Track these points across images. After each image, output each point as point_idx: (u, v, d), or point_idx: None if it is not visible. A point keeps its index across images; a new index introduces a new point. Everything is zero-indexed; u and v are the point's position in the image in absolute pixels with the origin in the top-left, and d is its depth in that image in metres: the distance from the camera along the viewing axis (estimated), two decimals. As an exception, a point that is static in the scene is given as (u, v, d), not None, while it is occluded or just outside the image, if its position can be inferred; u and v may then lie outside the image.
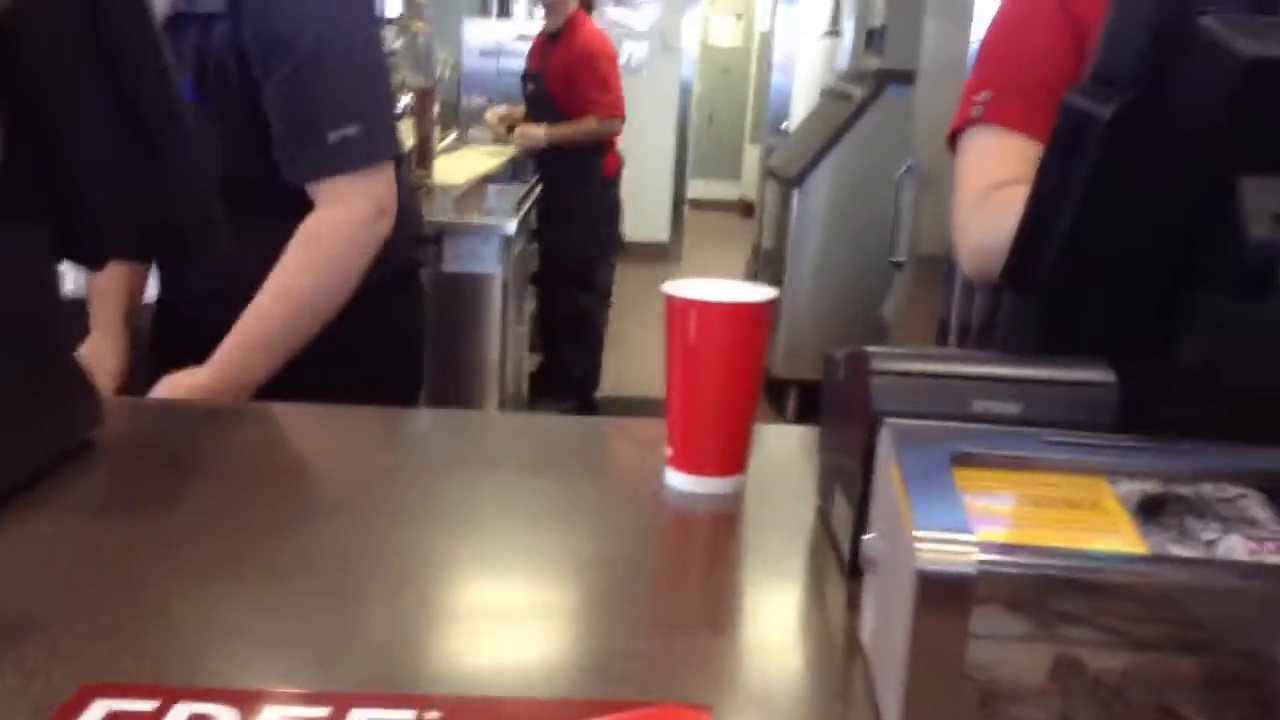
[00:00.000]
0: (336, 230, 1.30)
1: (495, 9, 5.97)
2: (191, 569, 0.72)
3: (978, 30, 2.37)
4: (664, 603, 0.72)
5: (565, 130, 3.96)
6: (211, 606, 0.67)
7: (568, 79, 3.95)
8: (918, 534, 0.50)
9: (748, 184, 8.74)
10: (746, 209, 8.28)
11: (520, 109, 4.33)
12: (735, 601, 0.74)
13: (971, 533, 0.50)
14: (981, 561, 0.50)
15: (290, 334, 1.28)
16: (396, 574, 0.73)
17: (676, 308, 0.84)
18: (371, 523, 0.81)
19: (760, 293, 0.84)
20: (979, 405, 0.68)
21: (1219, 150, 0.75)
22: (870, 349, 0.71)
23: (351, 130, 1.27)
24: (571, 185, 3.94)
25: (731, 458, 0.86)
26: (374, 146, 1.31)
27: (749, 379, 0.85)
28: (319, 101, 1.27)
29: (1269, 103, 0.73)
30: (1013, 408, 0.68)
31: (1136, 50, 0.74)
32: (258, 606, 0.68)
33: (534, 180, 3.87)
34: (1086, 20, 1.06)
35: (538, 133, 4.01)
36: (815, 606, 0.72)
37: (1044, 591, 0.58)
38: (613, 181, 4.15)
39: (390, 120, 1.43)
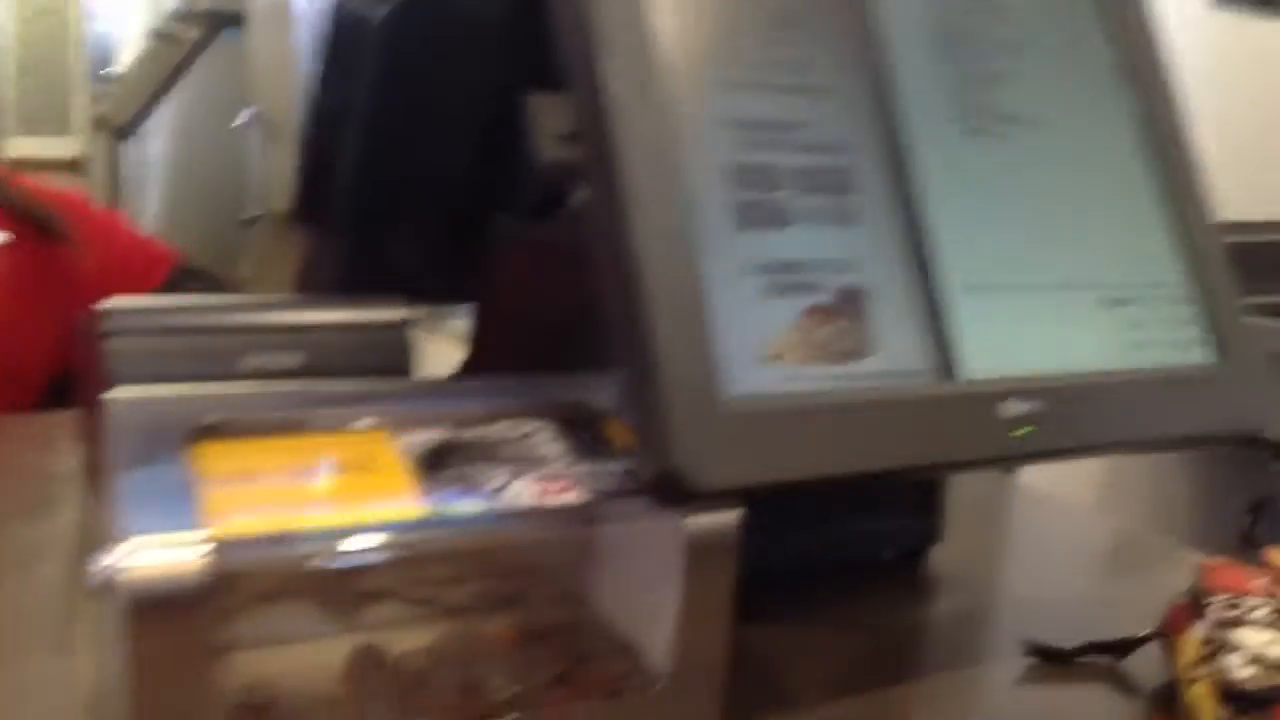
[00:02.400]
0: None
1: None
2: None
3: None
4: None
5: None
6: None
7: None
8: (122, 546, 0.37)
9: (82, 139, 7.78)
10: (75, 165, 7.39)
11: None
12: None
13: (196, 530, 0.39)
14: (209, 565, 0.38)
15: None
16: None
17: None
18: None
19: None
20: (250, 361, 0.56)
21: (505, 61, 0.70)
22: (110, 302, 0.56)
23: None
24: None
25: None
26: None
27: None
28: None
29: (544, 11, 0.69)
30: (292, 360, 0.57)
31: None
32: None
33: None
34: None
35: None
36: (60, 648, 0.56)
37: (331, 575, 0.48)
38: None
39: None
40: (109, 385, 0.53)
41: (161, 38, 3.96)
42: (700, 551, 0.45)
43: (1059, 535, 0.83)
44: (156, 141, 3.54)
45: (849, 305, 0.48)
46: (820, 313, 0.48)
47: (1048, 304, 0.53)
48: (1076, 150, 0.57)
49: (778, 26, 0.51)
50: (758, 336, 0.46)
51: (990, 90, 0.57)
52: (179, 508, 0.39)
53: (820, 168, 0.50)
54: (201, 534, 0.38)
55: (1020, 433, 0.51)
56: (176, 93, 3.51)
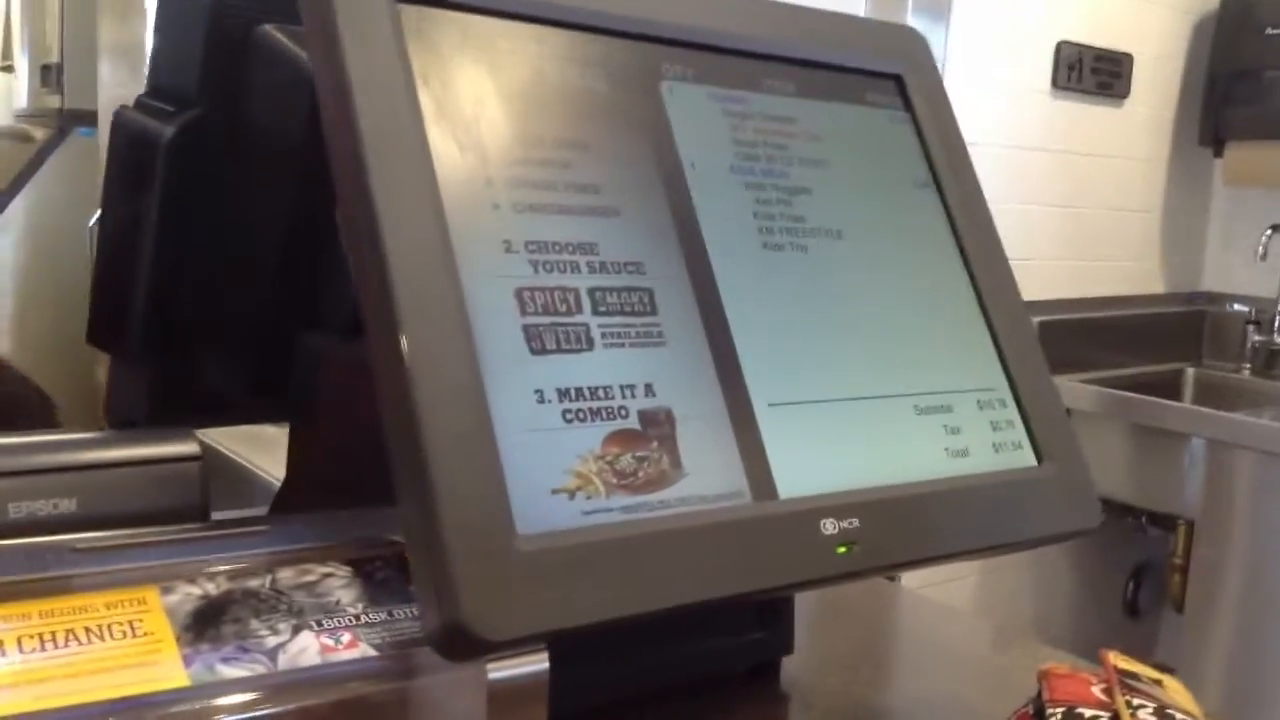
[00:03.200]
0: None
1: None
2: None
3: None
4: None
5: None
6: None
7: None
8: None
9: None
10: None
11: None
12: None
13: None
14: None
15: None
16: None
17: None
18: None
19: None
20: (18, 509, 0.51)
21: (308, 174, 0.67)
22: None
23: None
24: None
25: None
26: None
27: None
28: None
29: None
30: (67, 504, 0.52)
31: (193, 62, 0.64)
32: None
33: None
34: None
35: None
36: None
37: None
38: None
39: None
40: None
41: (12, 135, 3.82)
42: (505, 702, 0.42)
43: (923, 637, 0.81)
44: (6, 241, 3.40)
45: (654, 429, 0.46)
46: (623, 438, 0.46)
47: (861, 416, 0.52)
48: (885, 259, 0.57)
49: (565, 148, 0.50)
50: (554, 467, 0.43)
51: (790, 205, 0.56)
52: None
53: (617, 288, 0.48)
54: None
55: (843, 550, 0.49)
56: (29, 191, 3.38)
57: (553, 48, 0.53)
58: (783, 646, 0.67)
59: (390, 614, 0.45)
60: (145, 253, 0.65)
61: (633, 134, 0.52)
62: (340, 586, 0.47)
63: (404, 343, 0.41)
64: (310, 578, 0.47)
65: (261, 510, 0.68)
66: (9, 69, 4.37)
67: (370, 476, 0.64)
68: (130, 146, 0.64)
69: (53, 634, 0.41)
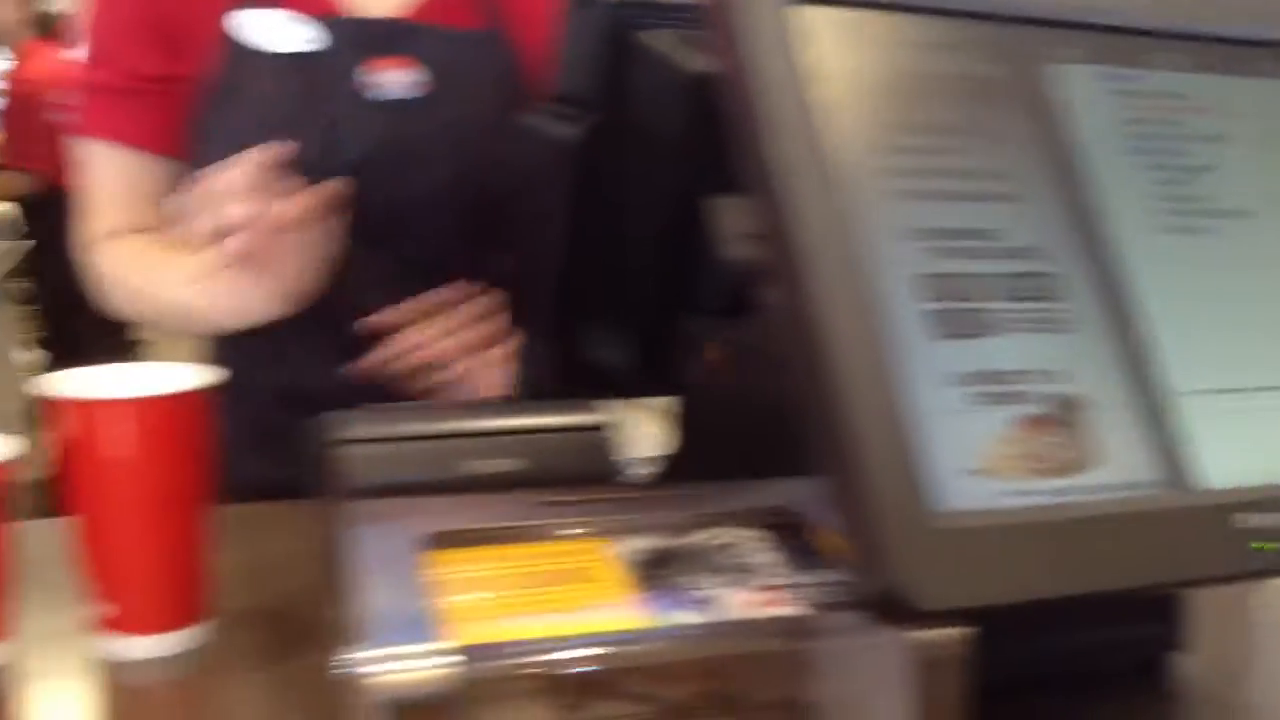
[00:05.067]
0: None
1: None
2: None
3: None
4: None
5: None
6: None
7: (9, 121, 3.47)
8: (373, 652, 0.40)
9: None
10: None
11: None
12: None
13: (440, 640, 0.41)
14: (454, 674, 0.40)
15: None
16: None
17: (84, 414, 0.62)
18: None
19: (195, 376, 0.66)
20: (469, 466, 0.59)
21: (687, 169, 0.72)
22: (337, 413, 0.60)
23: None
24: (52, 242, 3.41)
25: (192, 602, 0.67)
26: None
27: (201, 490, 0.67)
28: None
29: (722, 118, 0.71)
30: (508, 464, 0.59)
31: (590, 69, 0.70)
32: None
33: (24, 232, 3.36)
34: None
35: None
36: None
37: (533, 684, 0.50)
38: None
39: None
40: (341, 491, 0.56)
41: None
42: (927, 668, 0.45)
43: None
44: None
45: (1064, 415, 0.47)
46: (1033, 423, 0.47)
47: (1283, 406, 0.51)
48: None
49: (955, 136, 0.51)
50: (965, 449, 0.45)
51: (1193, 184, 0.55)
52: (423, 616, 0.42)
53: (1022, 274, 0.50)
54: (446, 642, 0.40)
55: (1261, 546, 0.48)
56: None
57: (935, 37, 0.54)
58: (1175, 642, 0.65)
59: (808, 578, 0.49)
60: (555, 244, 0.72)
61: (1022, 119, 0.53)
62: (757, 550, 0.51)
63: (822, 329, 0.44)
64: (729, 539, 0.51)
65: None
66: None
67: (754, 452, 0.69)
68: (541, 149, 0.71)
69: (527, 574, 0.47)
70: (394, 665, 0.40)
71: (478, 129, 0.92)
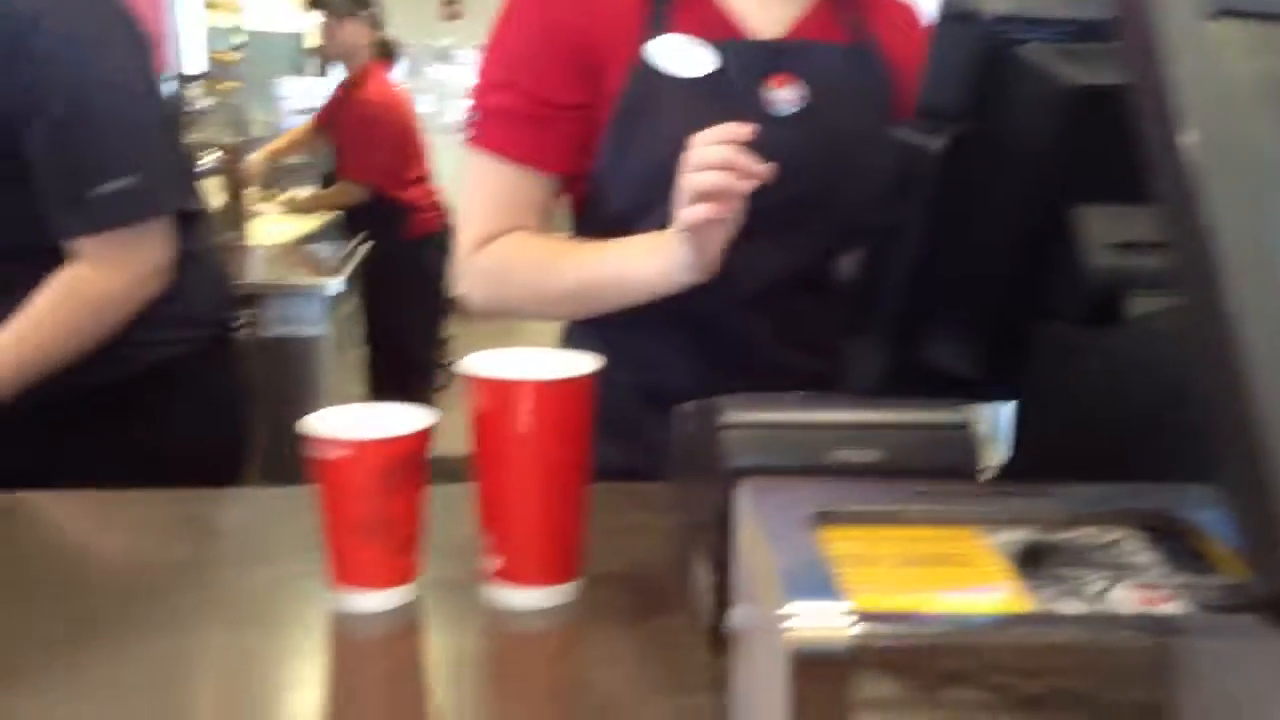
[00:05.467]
0: (100, 284, 1.20)
1: (310, 68, 5.81)
2: (-59, 703, 0.61)
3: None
4: (511, 698, 0.64)
5: (316, 200, 3.88)
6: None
7: (343, 137, 3.84)
8: (788, 608, 0.45)
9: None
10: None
11: (277, 141, 4.17)
12: (590, 690, 0.67)
13: (845, 601, 0.45)
14: (859, 634, 0.44)
15: (24, 375, 1.18)
16: (210, 686, 0.63)
17: (495, 391, 0.71)
18: (164, 630, 0.71)
19: (585, 363, 0.74)
20: (837, 454, 0.63)
21: (1053, 180, 0.73)
22: (722, 399, 0.66)
23: (125, 182, 1.17)
24: (377, 245, 3.66)
25: (569, 561, 0.76)
26: (152, 199, 1.21)
27: (584, 464, 0.75)
28: (86, 153, 1.17)
29: (1097, 130, 0.71)
30: (871, 455, 0.63)
31: (960, 82, 0.72)
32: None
33: (361, 237, 3.73)
34: (577, 28, 0.99)
35: (302, 196, 3.91)
36: (680, 685, 0.65)
37: (926, 655, 0.53)
38: (422, 242, 3.97)
39: (173, 174, 1.32)
40: (723, 471, 0.62)
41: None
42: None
43: None
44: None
45: None
46: None
47: None
48: None
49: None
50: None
51: None
52: (824, 581, 0.46)
53: None
54: (848, 605, 0.45)
55: None
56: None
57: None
58: None
59: (1191, 580, 0.49)
60: (907, 250, 0.76)
61: None
62: (1139, 550, 0.52)
63: (1237, 335, 0.45)
64: (1108, 539, 0.53)
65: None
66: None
67: (1105, 457, 0.69)
68: (903, 159, 0.74)
69: (908, 555, 0.51)
70: (804, 621, 0.44)
71: (848, 139, 0.97)
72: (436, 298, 4.09)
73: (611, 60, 0.98)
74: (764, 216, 0.88)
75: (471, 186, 1.05)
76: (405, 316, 3.90)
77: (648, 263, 0.93)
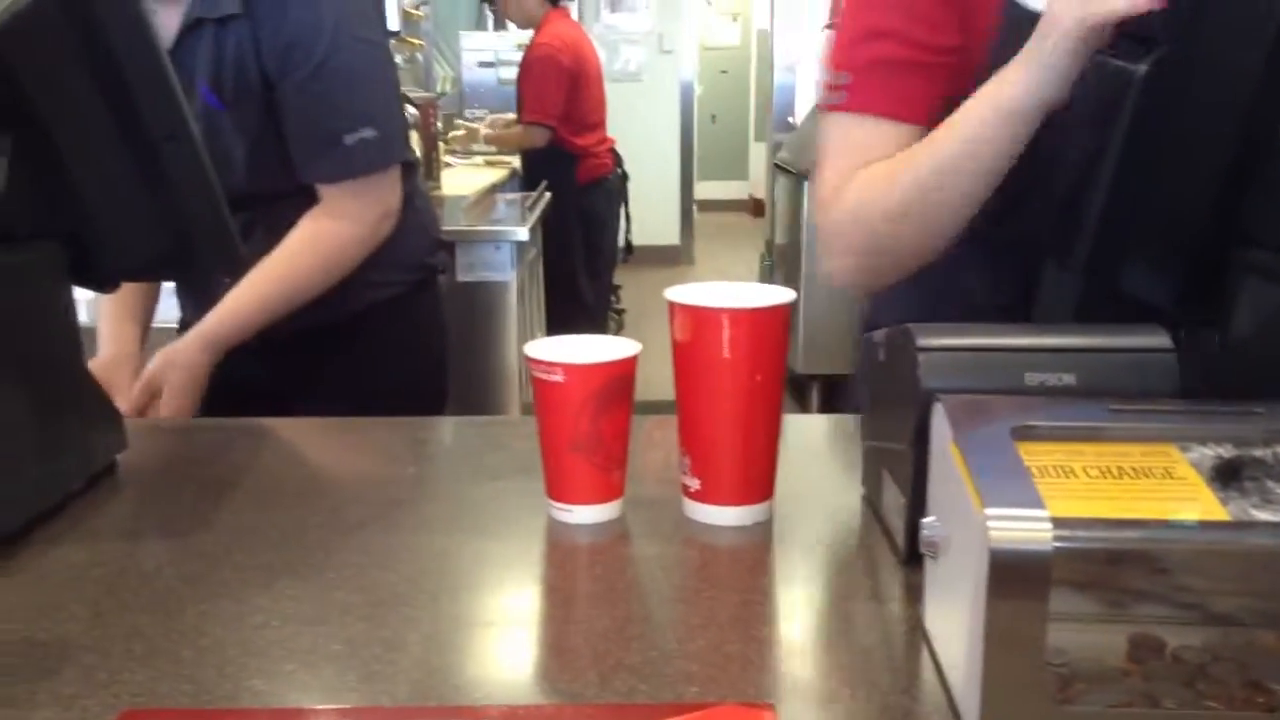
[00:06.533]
0: (342, 233, 1.32)
1: (491, 22, 5.96)
2: (226, 589, 0.70)
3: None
4: (713, 601, 0.69)
5: (496, 138, 3.98)
6: (249, 626, 0.65)
7: (520, 84, 3.95)
8: (988, 513, 0.48)
9: (756, 183, 8.71)
10: (756, 207, 8.24)
11: (505, 129, 4.31)
12: (788, 597, 0.71)
13: (1044, 509, 0.48)
14: (1058, 538, 0.47)
15: (271, 316, 1.30)
16: (433, 583, 0.71)
17: (699, 318, 0.76)
18: (403, 533, 0.79)
19: (780, 293, 0.77)
20: (1032, 378, 0.65)
21: (1257, 103, 0.72)
22: (913, 325, 0.68)
23: (368, 133, 1.27)
24: (553, 193, 3.78)
25: (765, 482, 0.80)
26: (389, 149, 1.31)
27: (779, 392, 0.78)
28: (336, 104, 1.27)
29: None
30: (1068, 379, 0.65)
31: (1165, 4, 0.72)
32: (296, 624, 0.66)
33: (542, 187, 3.85)
34: None
35: (475, 130, 4.02)
36: (871, 597, 0.69)
37: (1118, 567, 0.55)
38: (589, 188, 4.06)
39: (402, 124, 1.43)
40: (922, 393, 0.65)
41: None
42: None
43: None
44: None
45: None
46: None
47: None
48: None
49: None
50: None
51: None
52: (1024, 490, 0.49)
53: None
54: (1047, 511, 0.47)
55: None
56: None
57: None
58: None
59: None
60: (1106, 175, 0.76)
61: None
62: (1339, 468, 0.53)
63: None
64: (1306, 456, 0.54)
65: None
66: (834, 26, 4.94)
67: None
68: (1106, 82, 0.75)
69: (1107, 468, 0.53)
70: (1006, 526, 0.47)
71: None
72: (603, 242, 4.20)
73: (986, 1, 0.92)
74: None
75: (831, 153, 0.99)
76: (575, 260, 4.01)
77: (1017, 78, 0.83)
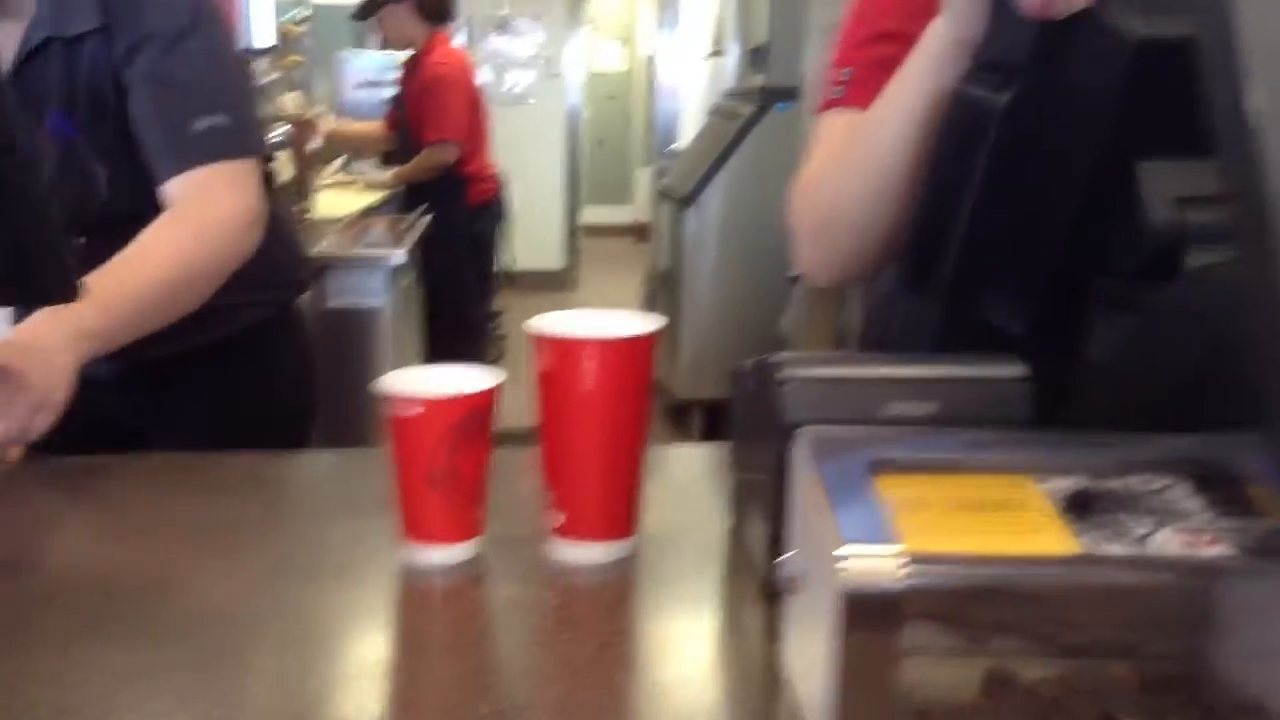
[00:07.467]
0: (205, 216, 1.19)
1: (372, 42, 5.86)
2: (50, 640, 0.65)
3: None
4: (571, 645, 0.66)
5: (406, 170, 3.91)
6: (71, 683, 0.60)
7: (417, 105, 3.88)
8: (840, 550, 0.47)
9: (641, 207, 8.75)
10: (640, 232, 8.27)
11: (353, 124, 4.22)
12: (647, 638, 0.69)
13: (897, 544, 0.47)
14: (910, 575, 0.46)
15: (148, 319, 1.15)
16: (273, 633, 0.67)
17: (561, 350, 0.74)
18: (244, 578, 0.74)
19: (645, 322, 0.76)
20: (893, 408, 0.65)
21: (1115, 134, 0.73)
22: (777, 356, 0.67)
23: (220, 119, 1.20)
24: (434, 216, 3.70)
25: (629, 517, 0.78)
26: (242, 139, 1.24)
27: (644, 423, 0.77)
28: (186, 88, 1.20)
29: (1162, 84, 0.71)
30: (927, 408, 0.65)
31: (1026, 35, 0.73)
32: (125, 680, 0.61)
33: (421, 210, 3.78)
34: None
35: (383, 177, 3.95)
36: (733, 634, 0.67)
37: (973, 601, 0.55)
38: (479, 211, 4.02)
39: (257, 120, 1.36)
40: (784, 423, 0.64)
41: (720, 114, 4.37)
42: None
43: None
44: (713, 208, 3.91)
45: None
46: None
47: None
48: None
49: None
50: None
51: None
52: (879, 525, 0.48)
53: None
54: (899, 547, 0.46)
55: None
56: (732, 162, 3.86)
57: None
58: None
59: (1234, 526, 0.50)
60: (965, 207, 0.76)
61: None
62: (1184, 497, 0.53)
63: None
64: (1155, 486, 0.54)
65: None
66: (719, 54, 5.00)
67: (1157, 410, 0.70)
68: (966, 113, 0.75)
69: (962, 500, 0.52)
70: (859, 563, 0.46)
71: None
72: (489, 266, 4.15)
73: None
74: None
75: (819, 146, 0.99)
76: (461, 285, 3.95)
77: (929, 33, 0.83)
